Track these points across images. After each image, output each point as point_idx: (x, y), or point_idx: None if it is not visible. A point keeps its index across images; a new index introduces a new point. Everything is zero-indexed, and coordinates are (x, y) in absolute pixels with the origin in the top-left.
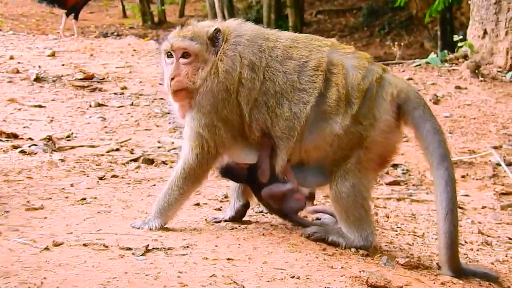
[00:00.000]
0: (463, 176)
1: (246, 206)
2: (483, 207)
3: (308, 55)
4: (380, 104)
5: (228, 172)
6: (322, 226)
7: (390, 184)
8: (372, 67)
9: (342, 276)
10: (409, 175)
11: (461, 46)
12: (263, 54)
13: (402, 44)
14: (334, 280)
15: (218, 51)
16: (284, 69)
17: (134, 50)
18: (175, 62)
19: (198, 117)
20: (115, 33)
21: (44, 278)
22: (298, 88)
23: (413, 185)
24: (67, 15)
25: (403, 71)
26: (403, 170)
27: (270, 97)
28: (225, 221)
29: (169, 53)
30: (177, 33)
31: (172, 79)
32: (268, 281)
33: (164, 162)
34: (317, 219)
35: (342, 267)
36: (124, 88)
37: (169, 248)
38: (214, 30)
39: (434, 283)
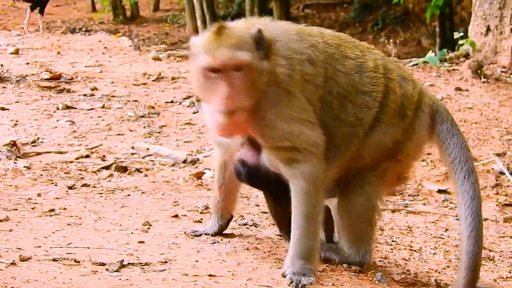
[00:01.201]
0: None
1: (229, 221)
2: (485, 219)
3: (362, 56)
4: (420, 117)
5: (254, 176)
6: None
7: None
8: (412, 77)
9: None
10: (405, 184)
11: (462, 44)
12: (317, 50)
13: (397, 41)
14: None
15: (267, 54)
16: (344, 68)
17: (105, 47)
18: (226, 78)
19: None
20: (84, 29)
21: None
22: (361, 91)
23: (409, 195)
24: (32, 9)
25: None
26: None
27: (334, 98)
28: (206, 234)
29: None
30: (218, 42)
31: (226, 98)
32: None
33: (138, 170)
34: None
35: (333, 284)
36: (95, 89)
37: (146, 264)
38: (257, 31)
39: None
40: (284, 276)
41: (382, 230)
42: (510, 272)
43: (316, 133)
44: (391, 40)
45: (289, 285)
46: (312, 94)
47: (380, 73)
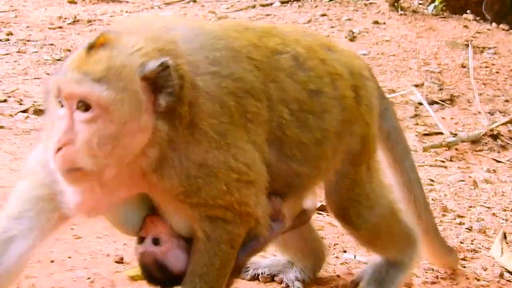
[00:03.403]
0: None
1: None
2: None
3: (287, 44)
4: (367, 83)
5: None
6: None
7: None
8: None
9: None
10: None
11: None
12: (251, 64)
13: None
14: None
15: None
16: (284, 73)
17: None
18: (70, 116)
19: None
20: None
21: None
22: (313, 90)
23: None
24: None
25: (316, 6)
26: None
27: (288, 122)
28: None
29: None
30: (80, 62)
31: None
32: None
33: None
34: None
35: None
36: (10, 34)
37: None
38: (161, 65)
39: None
40: None
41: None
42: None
43: (252, 190)
44: None
45: None
46: (256, 135)
47: (314, 59)
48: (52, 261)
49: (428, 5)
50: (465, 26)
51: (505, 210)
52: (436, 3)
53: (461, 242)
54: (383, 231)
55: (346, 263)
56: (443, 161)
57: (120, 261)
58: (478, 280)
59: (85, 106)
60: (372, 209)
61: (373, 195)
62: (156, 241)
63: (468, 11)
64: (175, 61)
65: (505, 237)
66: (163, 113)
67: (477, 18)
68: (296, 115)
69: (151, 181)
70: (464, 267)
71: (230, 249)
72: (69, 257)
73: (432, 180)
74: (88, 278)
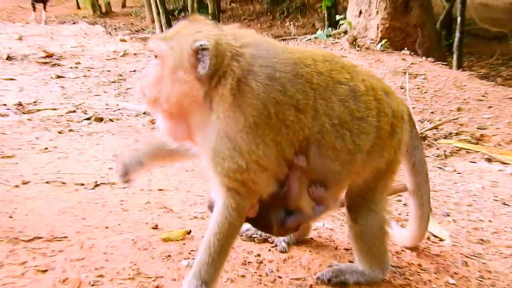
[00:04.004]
0: None
1: None
2: None
3: (352, 78)
4: (405, 129)
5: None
6: (335, 267)
7: None
8: (390, 88)
9: None
10: None
11: (342, 24)
12: (309, 86)
13: (297, 24)
14: None
15: (207, 72)
16: (337, 97)
17: (85, 33)
18: (151, 63)
19: None
20: (71, 22)
21: (15, 208)
22: (357, 117)
23: None
24: (33, 6)
25: (298, 44)
26: None
27: (326, 132)
28: None
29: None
30: (169, 30)
31: (142, 79)
32: (191, 205)
33: (111, 120)
34: None
35: None
36: (78, 63)
37: (113, 183)
38: (200, 45)
39: None
40: None
41: None
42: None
43: (265, 174)
44: (292, 24)
45: None
46: (284, 138)
47: (371, 96)
48: (106, 227)
49: (377, 44)
50: (403, 59)
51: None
52: (383, 42)
53: (399, 214)
54: (368, 236)
55: (317, 229)
56: None
57: (156, 227)
58: None
59: (155, 56)
60: (371, 213)
61: (378, 204)
62: None
63: (405, 48)
64: (227, 52)
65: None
66: (202, 81)
67: (412, 53)
68: (336, 128)
69: (195, 138)
70: None
71: (237, 216)
72: (119, 224)
73: None
74: (132, 240)
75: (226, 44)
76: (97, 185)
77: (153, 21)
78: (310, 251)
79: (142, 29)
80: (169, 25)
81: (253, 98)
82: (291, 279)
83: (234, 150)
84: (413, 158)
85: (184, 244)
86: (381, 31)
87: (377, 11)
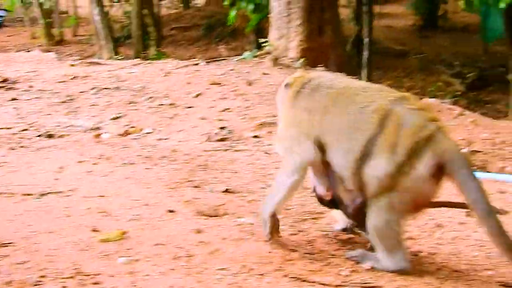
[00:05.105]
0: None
1: None
2: None
3: (369, 103)
4: (422, 158)
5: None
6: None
7: None
8: (428, 125)
9: None
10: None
11: (265, 46)
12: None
13: (229, 47)
14: None
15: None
16: (345, 113)
17: (38, 59)
18: None
19: None
20: (27, 49)
21: None
22: (354, 127)
23: (234, 140)
24: None
25: (227, 64)
26: None
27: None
28: None
29: None
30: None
31: None
32: (128, 209)
33: (60, 136)
34: None
35: None
36: (31, 86)
37: (59, 192)
38: (286, 84)
39: None
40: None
41: None
42: None
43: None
44: (224, 47)
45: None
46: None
47: (378, 114)
48: (50, 232)
49: (296, 61)
50: None
51: None
52: (301, 60)
53: None
54: (379, 228)
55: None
56: None
57: (95, 230)
58: None
59: None
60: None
61: (377, 211)
62: None
63: (321, 65)
64: (299, 82)
65: None
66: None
67: (327, 69)
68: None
69: None
70: None
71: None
72: (62, 229)
73: None
74: (74, 242)
75: None
76: (43, 194)
77: (101, 48)
78: None
79: (91, 55)
80: (115, 51)
81: (304, 100)
82: None
83: (290, 126)
84: (465, 193)
85: (121, 244)
86: (298, 51)
87: (295, 34)
